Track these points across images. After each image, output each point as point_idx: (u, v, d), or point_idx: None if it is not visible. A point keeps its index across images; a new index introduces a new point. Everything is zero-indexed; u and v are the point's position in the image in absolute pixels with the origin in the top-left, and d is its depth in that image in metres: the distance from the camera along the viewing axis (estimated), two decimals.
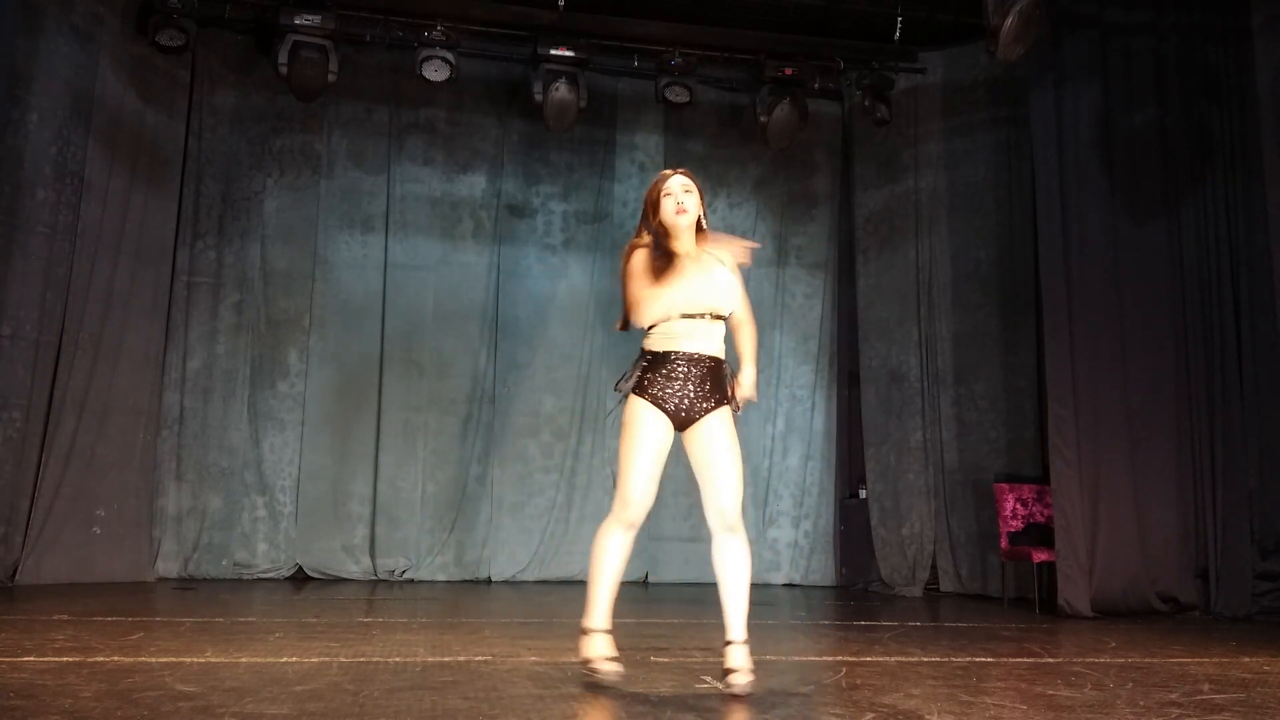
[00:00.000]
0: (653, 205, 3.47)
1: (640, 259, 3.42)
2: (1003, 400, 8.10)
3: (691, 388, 3.34)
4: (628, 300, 3.42)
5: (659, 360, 3.36)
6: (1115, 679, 3.77)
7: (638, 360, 3.43)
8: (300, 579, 8.08)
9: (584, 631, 3.40)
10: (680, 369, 3.34)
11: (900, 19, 7.84)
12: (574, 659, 4.00)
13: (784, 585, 8.81)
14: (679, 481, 8.86)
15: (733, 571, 3.30)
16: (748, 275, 3.65)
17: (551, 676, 3.57)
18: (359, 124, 8.70)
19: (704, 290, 3.38)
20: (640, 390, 3.36)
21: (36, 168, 6.90)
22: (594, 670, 3.34)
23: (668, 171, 3.54)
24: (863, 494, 8.69)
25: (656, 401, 3.35)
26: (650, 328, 3.41)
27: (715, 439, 3.35)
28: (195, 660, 3.76)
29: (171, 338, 8.03)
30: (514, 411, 8.74)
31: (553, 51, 7.94)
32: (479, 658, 4.02)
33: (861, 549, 8.61)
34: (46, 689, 3.10)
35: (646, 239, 3.46)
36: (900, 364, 8.53)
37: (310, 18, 7.54)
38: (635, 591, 8.00)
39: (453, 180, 8.82)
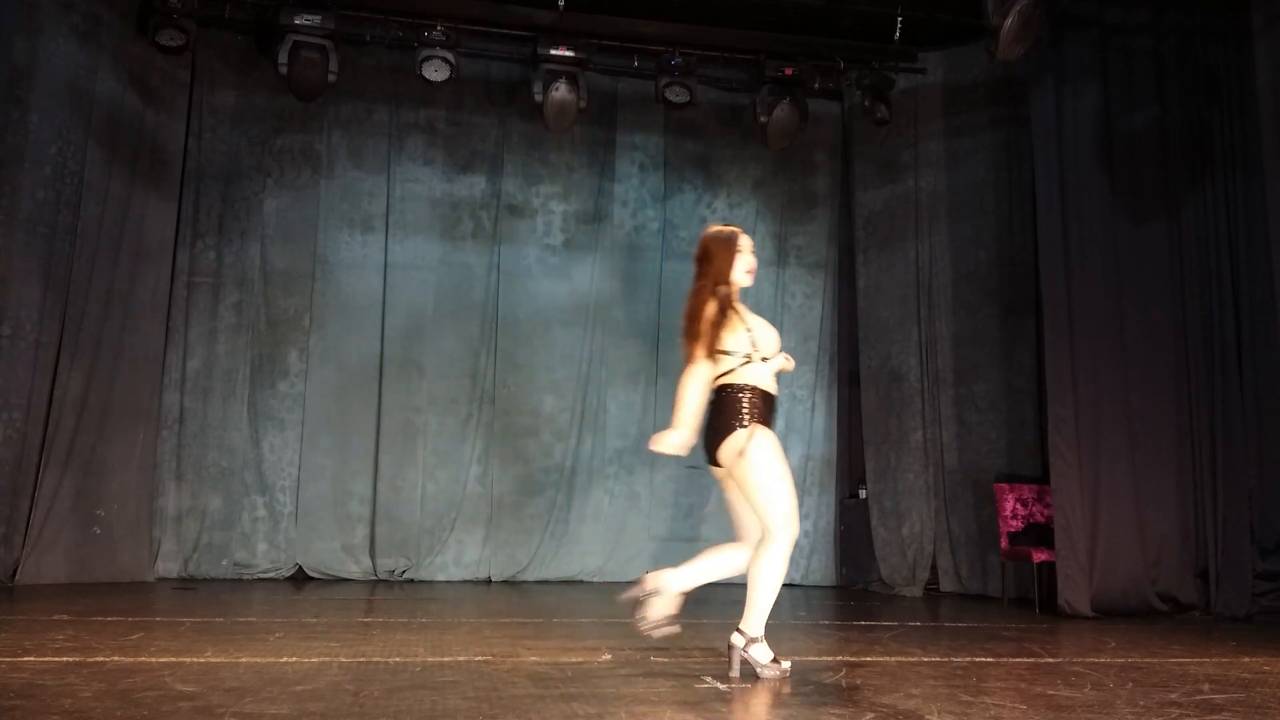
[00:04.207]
0: (725, 256, 3.74)
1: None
2: (1003, 400, 8.10)
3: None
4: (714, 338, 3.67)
5: (765, 396, 3.70)
6: (1115, 679, 3.77)
7: (741, 395, 3.65)
8: (300, 579, 8.08)
9: (756, 639, 3.73)
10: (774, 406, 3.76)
11: (900, 19, 7.83)
12: (574, 659, 4.01)
13: (784, 585, 8.78)
14: (680, 482, 8.94)
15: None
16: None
17: (551, 676, 3.57)
18: (359, 124, 8.69)
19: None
20: (764, 421, 3.67)
21: (36, 168, 6.89)
22: (785, 671, 3.63)
23: (736, 229, 3.83)
24: (863, 494, 8.68)
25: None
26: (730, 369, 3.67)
27: None
28: (195, 660, 3.76)
29: (171, 338, 8.03)
30: (514, 411, 8.73)
31: (553, 51, 7.93)
32: (479, 658, 4.02)
33: (861, 549, 8.61)
34: (46, 689, 3.10)
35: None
36: (900, 364, 8.53)
37: (310, 18, 7.54)
38: None
39: (453, 180, 8.82)
